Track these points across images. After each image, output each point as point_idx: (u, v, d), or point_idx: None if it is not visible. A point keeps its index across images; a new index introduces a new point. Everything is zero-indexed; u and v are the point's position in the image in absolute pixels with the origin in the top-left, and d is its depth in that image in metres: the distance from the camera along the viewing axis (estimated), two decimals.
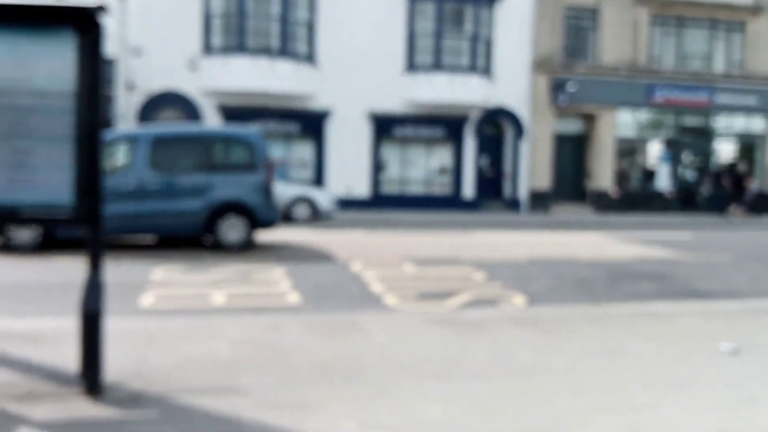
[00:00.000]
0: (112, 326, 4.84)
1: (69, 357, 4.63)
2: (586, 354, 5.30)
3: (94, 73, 3.94)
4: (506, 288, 8.65)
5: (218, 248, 11.22)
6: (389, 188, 22.78)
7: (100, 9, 3.81)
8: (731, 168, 24.33)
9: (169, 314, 6.57)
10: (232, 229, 11.34)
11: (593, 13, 23.92)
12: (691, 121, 25.38)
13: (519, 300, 7.95)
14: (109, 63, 18.23)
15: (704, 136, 25.54)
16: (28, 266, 9.41)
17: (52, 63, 3.93)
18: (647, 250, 13.06)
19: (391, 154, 22.84)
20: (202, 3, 20.37)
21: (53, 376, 4.39)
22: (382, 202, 22.25)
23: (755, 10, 25.01)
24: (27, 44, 3.91)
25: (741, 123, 25.65)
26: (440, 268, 10.11)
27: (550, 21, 23.28)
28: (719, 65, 25.30)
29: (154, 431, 3.56)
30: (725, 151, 26.09)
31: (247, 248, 11.33)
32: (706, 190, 23.85)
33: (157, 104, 20.49)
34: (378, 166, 22.45)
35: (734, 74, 25.08)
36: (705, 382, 4.66)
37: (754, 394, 4.44)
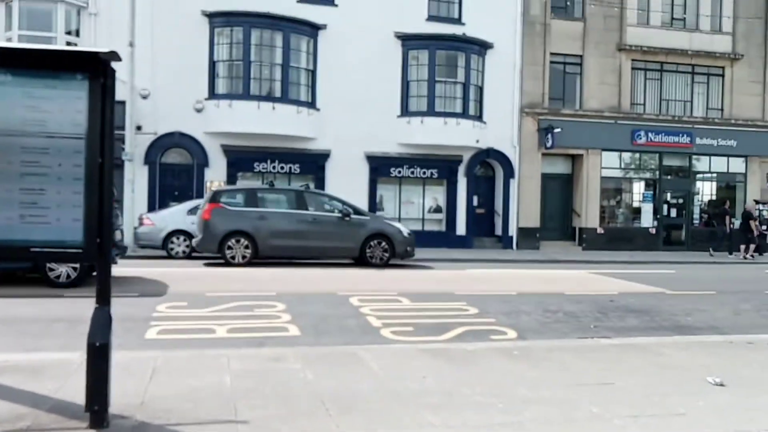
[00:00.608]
0: (117, 358, 4.78)
1: (74, 389, 4.57)
2: (577, 386, 5.25)
3: (105, 116, 3.96)
4: (498, 321, 8.61)
5: None
6: None
7: (113, 55, 3.84)
8: (722, 207, 24.21)
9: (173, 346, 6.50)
10: None
11: (578, 60, 24.26)
12: (674, 162, 25.58)
13: (510, 333, 7.90)
14: (118, 105, 18.34)
15: (686, 176, 25.73)
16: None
17: (65, 106, 3.95)
18: (633, 285, 13.03)
19: (387, 193, 22.91)
20: (207, 49, 20.61)
21: (59, 408, 4.32)
22: None
23: (734, 58, 25.42)
24: (41, 87, 3.93)
25: (722, 164, 25.85)
26: (435, 302, 10.06)
27: (537, 68, 23.61)
28: (700, 110, 25.60)
29: None
30: (706, 190, 26.25)
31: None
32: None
33: (163, 145, 20.59)
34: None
35: (714, 118, 25.37)
36: (692, 413, 4.61)
37: (739, 425, 4.40)
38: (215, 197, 15.42)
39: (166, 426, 4.05)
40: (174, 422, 4.12)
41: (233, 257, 14.85)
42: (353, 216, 15.63)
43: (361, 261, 15.65)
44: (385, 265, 15.47)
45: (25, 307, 8.61)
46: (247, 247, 14.94)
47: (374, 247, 15.66)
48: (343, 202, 16.06)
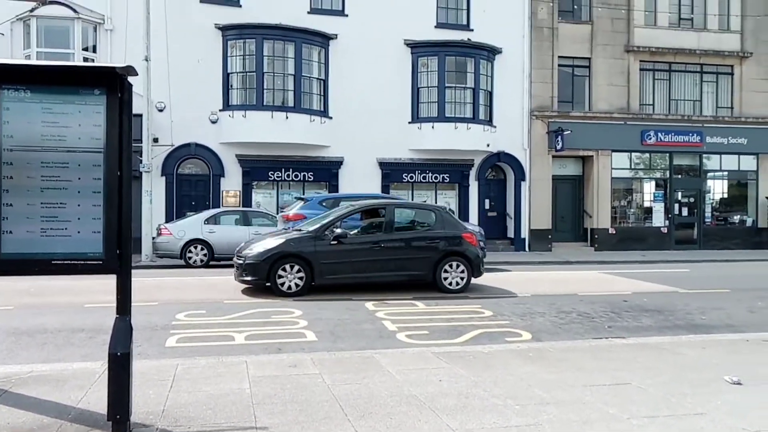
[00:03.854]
0: (138, 366, 4.80)
1: (97, 398, 4.59)
2: (592, 386, 5.20)
3: (123, 129, 3.99)
4: (513, 323, 8.56)
5: None
6: None
7: (129, 69, 3.87)
8: None
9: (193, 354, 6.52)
10: None
11: (586, 63, 24.16)
12: (684, 161, 25.37)
13: (525, 335, 7.85)
14: (135, 118, 18.48)
15: (697, 175, 25.50)
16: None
17: (83, 120, 3.97)
18: (646, 285, 12.92)
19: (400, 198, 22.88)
20: (221, 62, 20.73)
21: (82, 418, 4.34)
22: None
23: (743, 56, 25.20)
24: (60, 103, 3.96)
25: (733, 162, 25.60)
26: (449, 306, 10.02)
27: (546, 71, 23.53)
28: (709, 108, 25.38)
29: None
30: (718, 189, 26.02)
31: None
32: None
33: (180, 156, 20.71)
34: None
35: (724, 117, 25.14)
36: (710, 413, 4.55)
37: (759, 423, 4.33)
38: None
39: None
40: (195, 429, 4.12)
41: None
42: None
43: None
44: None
45: (48, 318, 8.67)
46: None
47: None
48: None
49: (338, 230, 11.41)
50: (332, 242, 11.23)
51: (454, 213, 20.57)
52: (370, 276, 11.46)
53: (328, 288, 11.38)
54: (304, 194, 21.70)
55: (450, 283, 11.59)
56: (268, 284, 11.00)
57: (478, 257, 11.99)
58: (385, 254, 11.44)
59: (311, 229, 11.60)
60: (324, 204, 16.15)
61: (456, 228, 12.10)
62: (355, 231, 12.01)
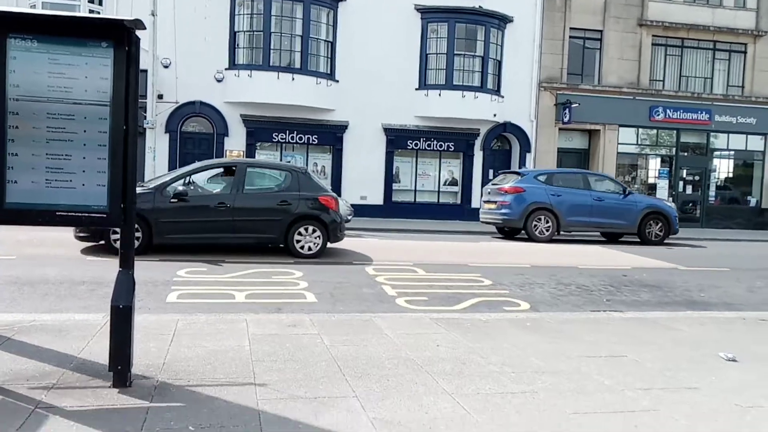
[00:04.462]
0: (139, 320, 4.85)
1: (99, 349, 4.65)
2: (589, 358, 5.26)
3: (130, 84, 3.96)
4: (511, 293, 8.61)
5: None
6: (401, 197, 22.78)
7: (138, 23, 3.83)
8: None
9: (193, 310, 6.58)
10: None
11: (598, 35, 23.87)
12: (691, 139, 25.23)
13: (524, 305, 7.91)
14: (140, 74, 18.36)
15: (703, 153, 25.38)
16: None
17: (90, 72, 3.95)
18: (647, 261, 12.96)
19: (404, 165, 22.84)
20: (228, 20, 20.51)
21: (84, 367, 4.41)
22: (395, 210, 22.24)
23: (757, 35, 24.86)
24: (67, 54, 3.93)
25: (740, 142, 25.45)
26: (449, 273, 10.08)
27: (556, 42, 23.26)
28: (720, 86, 25.15)
29: (179, 420, 3.56)
30: (723, 168, 25.92)
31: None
32: None
33: (184, 114, 20.63)
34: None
35: (734, 95, 24.91)
36: (704, 388, 4.61)
37: (753, 400, 4.39)
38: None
39: (187, 387, 4.11)
40: (194, 383, 4.18)
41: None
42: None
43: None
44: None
45: (49, 269, 8.73)
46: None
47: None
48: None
49: (181, 188, 10.75)
50: (172, 200, 10.61)
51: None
52: (216, 237, 10.91)
53: (170, 248, 10.85)
54: (308, 158, 21.70)
55: (302, 248, 11.14)
56: (102, 241, 10.58)
57: (335, 222, 11.42)
58: (232, 215, 10.83)
59: (152, 186, 11.01)
60: (539, 178, 16.90)
61: (314, 190, 11.43)
62: (201, 189, 11.33)
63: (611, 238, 17.65)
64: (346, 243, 12.97)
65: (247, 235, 11.07)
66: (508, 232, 17.50)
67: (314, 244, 11.24)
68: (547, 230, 16.33)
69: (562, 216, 16.39)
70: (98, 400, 3.80)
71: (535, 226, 16.28)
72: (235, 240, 11.11)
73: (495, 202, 16.86)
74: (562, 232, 16.87)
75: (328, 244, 11.55)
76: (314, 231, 11.24)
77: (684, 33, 24.42)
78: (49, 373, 4.24)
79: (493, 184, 17.84)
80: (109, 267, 7.90)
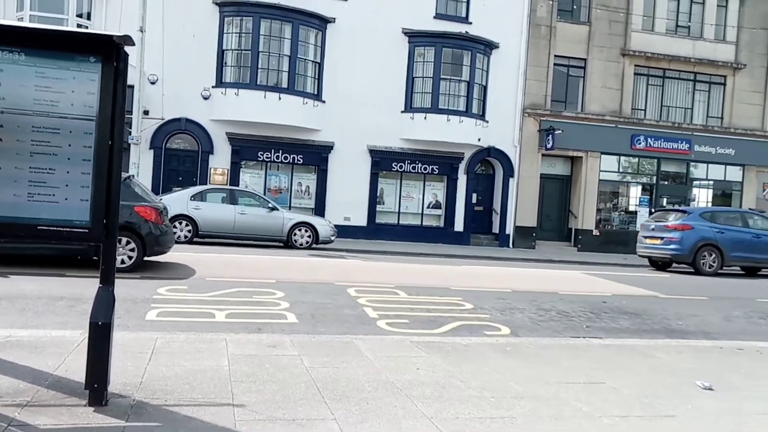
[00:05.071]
0: (117, 337, 4.80)
1: (75, 367, 4.59)
2: (567, 384, 5.27)
3: (117, 99, 3.96)
4: (492, 317, 8.63)
5: None
6: (385, 219, 22.82)
7: (126, 39, 3.84)
8: None
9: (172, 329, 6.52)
10: None
11: (582, 63, 24.24)
12: (671, 168, 25.60)
13: (504, 329, 7.92)
14: (127, 89, 18.34)
15: (683, 182, 25.74)
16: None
17: (77, 87, 3.94)
18: (627, 288, 13.06)
19: (388, 186, 22.92)
20: (216, 39, 20.58)
21: (59, 385, 4.34)
22: (378, 232, 22.26)
23: (736, 67, 25.39)
24: (54, 68, 3.92)
25: (719, 172, 25.85)
26: (431, 296, 10.08)
27: (541, 69, 23.59)
28: (700, 117, 25.60)
29: None
30: (702, 197, 26.27)
31: None
32: None
33: (169, 130, 20.58)
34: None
35: (714, 126, 25.36)
36: (681, 416, 4.63)
37: (729, 428, 4.42)
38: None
39: (164, 406, 4.06)
40: (171, 403, 4.13)
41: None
42: None
43: None
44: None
45: (27, 284, 8.62)
46: None
47: None
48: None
49: None
50: None
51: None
52: (12, 248, 10.03)
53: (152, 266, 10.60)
54: (293, 177, 21.71)
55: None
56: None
57: (152, 234, 10.75)
58: None
59: None
60: (704, 216, 18.17)
61: (133, 200, 10.69)
62: None
63: (750, 271, 18.91)
64: (328, 262, 12.91)
65: (50, 246, 9.92)
66: (661, 265, 18.60)
67: (128, 257, 10.59)
68: (714, 264, 17.40)
69: (726, 252, 17.48)
70: (73, 418, 3.74)
71: (703, 261, 17.41)
72: (38, 251, 10.39)
73: (661, 237, 17.86)
74: (724, 267, 17.80)
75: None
76: (128, 243, 10.59)
77: (665, 63, 24.89)
78: (23, 390, 4.17)
79: (656, 221, 18.76)
80: (88, 283, 7.81)
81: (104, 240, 4.02)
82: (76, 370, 4.48)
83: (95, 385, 3.95)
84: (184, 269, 11.29)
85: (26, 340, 5.47)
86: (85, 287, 8.23)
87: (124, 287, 8.08)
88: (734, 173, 25.99)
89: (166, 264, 11.79)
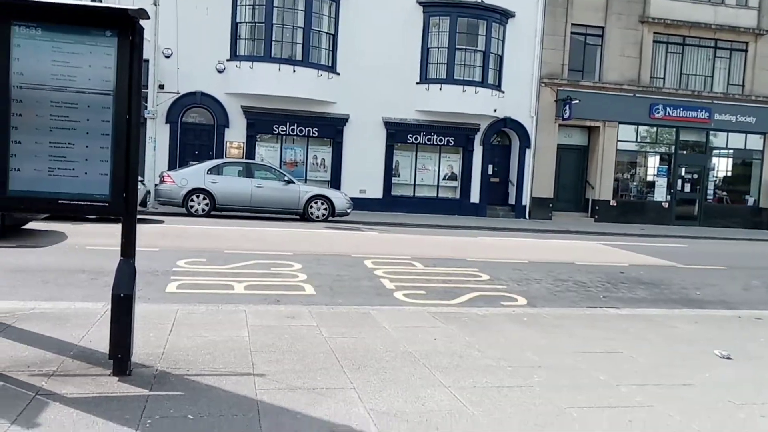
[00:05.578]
0: (139, 310, 4.87)
1: (99, 338, 4.68)
2: (584, 353, 5.29)
3: (133, 73, 3.97)
4: (509, 288, 8.64)
5: None
6: (401, 191, 22.79)
7: (141, 12, 3.83)
8: None
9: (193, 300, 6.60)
10: None
11: (599, 32, 23.84)
12: (690, 137, 25.25)
13: (521, 300, 7.94)
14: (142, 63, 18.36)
15: (702, 151, 25.40)
16: None
17: (94, 61, 3.95)
18: (644, 258, 13.00)
19: (403, 159, 22.85)
20: (230, 11, 20.46)
21: (84, 355, 4.43)
22: (394, 204, 22.25)
23: (759, 33, 24.84)
24: (71, 43, 3.93)
25: (739, 140, 25.46)
26: (447, 268, 10.10)
27: (558, 38, 23.24)
28: (720, 85, 25.14)
29: (178, 409, 3.59)
30: (722, 166, 25.95)
31: None
32: None
33: (185, 104, 20.60)
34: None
35: (734, 94, 24.91)
36: (699, 385, 4.64)
37: (747, 397, 4.42)
38: None
39: (186, 376, 4.14)
40: (193, 372, 4.21)
41: None
42: None
43: None
44: None
45: (49, 257, 8.74)
46: None
47: None
48: None
49: None
50: None
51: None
52: None
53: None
54: (308, 150, 21.69)
55: None
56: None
57: None
58: None
59: None
60: None
61: None
62: None
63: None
64: (345, 235, 12.92)
65: None
66: None
67: None
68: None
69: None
70: (98, 387, 3.83)
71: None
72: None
73: None
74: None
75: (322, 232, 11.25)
76: None
77: (685, 31, 24.39)
78: (49, 361, 4.27)
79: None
80: (110, 256, 7.91)
81: (124, 213, 4.07)
82: (100, 340, 4.56)
83: (119, 356, 4.03)
84: (203, 241, 11.39)
85: (50, 311, 5.57)
86: (106, 260, 8.33)
87: (144, 260, 8.17)
88: (755, 142, 25.57)
89: (185, 236, 11.89)
